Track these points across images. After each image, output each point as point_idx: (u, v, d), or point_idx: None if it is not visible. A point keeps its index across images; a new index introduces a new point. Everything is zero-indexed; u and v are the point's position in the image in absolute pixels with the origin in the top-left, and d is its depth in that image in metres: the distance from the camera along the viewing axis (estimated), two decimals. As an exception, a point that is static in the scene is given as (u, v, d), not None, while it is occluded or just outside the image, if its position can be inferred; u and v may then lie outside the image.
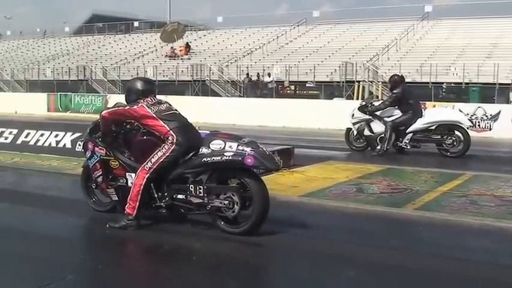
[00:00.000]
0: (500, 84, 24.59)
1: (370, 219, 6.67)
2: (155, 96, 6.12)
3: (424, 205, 7.11)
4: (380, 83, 26.13)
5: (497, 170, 10.29)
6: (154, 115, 5.83)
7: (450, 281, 4.62)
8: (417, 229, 6.30)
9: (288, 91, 29.97)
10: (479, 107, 19.09)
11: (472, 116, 18.42)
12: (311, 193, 7.85)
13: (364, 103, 13.13)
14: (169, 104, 6.14)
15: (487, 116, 18.50)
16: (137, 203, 5.76)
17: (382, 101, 13.34)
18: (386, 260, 5.08)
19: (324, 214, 6.84)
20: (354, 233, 6.04)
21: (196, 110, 21.32)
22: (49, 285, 4.30)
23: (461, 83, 25.86)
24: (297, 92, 30.09)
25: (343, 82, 28.06)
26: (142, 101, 5.94)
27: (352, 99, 25.00)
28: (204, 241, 5.52)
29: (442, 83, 26.17)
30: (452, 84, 26.29)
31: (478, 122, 18.50)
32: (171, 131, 5.75)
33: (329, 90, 29.04)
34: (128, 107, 5.98)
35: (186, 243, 5.51)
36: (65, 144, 11.28)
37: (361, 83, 26.69)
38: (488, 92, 24.83)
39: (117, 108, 6.13)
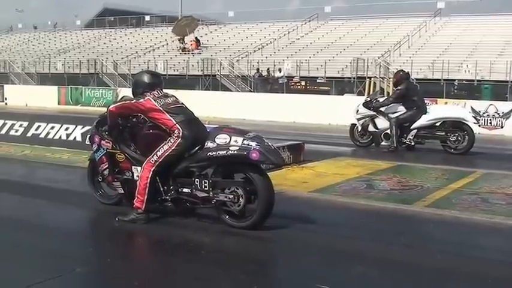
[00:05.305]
0: (512, 81, 24.42)
1: (380, 215, 6.66)
2: (162, 90, 6.12)
3: (434, 202, 7.07)
4: (391, 79, 25.98)
5: (508, 168, 10.22)
6: (161, 108, 5.83)
7: (460, 278, 4.59)
8: (427, 226, 6.26)
9: (299, 86, 29.86)
10: (491, 104, 19.00)
11: (483, 113, 18.35)
12: (321, 189, 7.83)
13: (369, 99, 13.16)
14: (176, 98, 6.13)
15: (498, 114, 18.41)
16: (145, 196, 5.75)
17: (386, 97, 13.36)
18: (395, 256, 5.05)
19: (333, 210, 6.82)
20: (364, 229, 6.01)
21: (206, 105, 21.39)
22: (59, 278, 4.31)
23: (473, 80, 25.70)
24: (308, 87, 29.96)
25: (354, 78, 27.96)
26: (149, 94, 5.94)
27: (363, 95, 24.84)
28: (212, 235, 5.53)
29: (454, 80, 26.02)
30: (464, 82, 26.14)
31: (490, 119, 18.41)
32: (177, 125, 5.74)
33: (340, 86, 28.94)
34: (134, 101, 5.99)
35: (195, 237, 5.51)
36: (75, 138, 11.32)
37: (372, 79, 26.56)
38: (500, 90, 24.66)
39: (124, 101, 6.14)
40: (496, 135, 17.57)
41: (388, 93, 21.99)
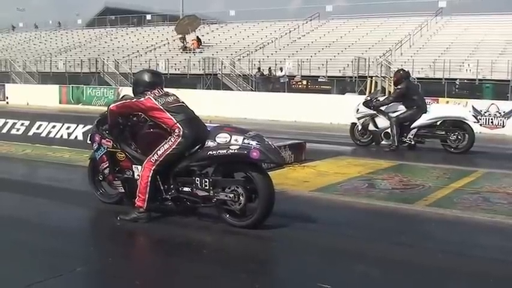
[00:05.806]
0: (514, 81, 24.37)
1: (381, 215, 6.65)
2: (162, 89, 6.11)
3: (436, 201, 7.07)
4: (392, 78, 25.94)
5: (510, 167, 10.23)
6: (162, 107, 5.83)
7: (461, 278, 4.58)
8: (429, 226, 6.24)
9: (300, 86, 29.83)
10: (492, 103, 18.97)
11: (485, 112, 18.33)
12: (322, 188, 7.82)
13: (369, 98, 13.19)
14: (177, 97, 6.13)
15: (500, 113, 18.39)
16: (147, 195, 5.76)
17: (386, 96, 13.40)
18: (397, 256, 5.05)
19: (335, 209, 6.81)
20: (365, 228, 6.00)
21: (207, 104, 21.40)
22: (59, 277, 4.31)
23: (474, 80, 25.66)
24: (309, 86, 29.93)
25: (355, 77, 27.92)
26: (149, 93, 5.94)
27: (365, 94, 24.80)
28: (214, 234, 5.53)
29: (456, 79, 25.98)
30: (465, 81, 26.10)
31: (491, 119, 18.38)
32: (177, 124, 5.74)
33: (341, 85, 28.91)
34: (135, 100, 5.99)
35: (196, 236, 5.51)
36: (76, 137, 11.32)
37: (373, 78, 26.52)
38: (501, 89, 24.62)
39: (124, 100, 6.14)
40: (498, 135, 17.57)
41: (389, 92, 22.01)
